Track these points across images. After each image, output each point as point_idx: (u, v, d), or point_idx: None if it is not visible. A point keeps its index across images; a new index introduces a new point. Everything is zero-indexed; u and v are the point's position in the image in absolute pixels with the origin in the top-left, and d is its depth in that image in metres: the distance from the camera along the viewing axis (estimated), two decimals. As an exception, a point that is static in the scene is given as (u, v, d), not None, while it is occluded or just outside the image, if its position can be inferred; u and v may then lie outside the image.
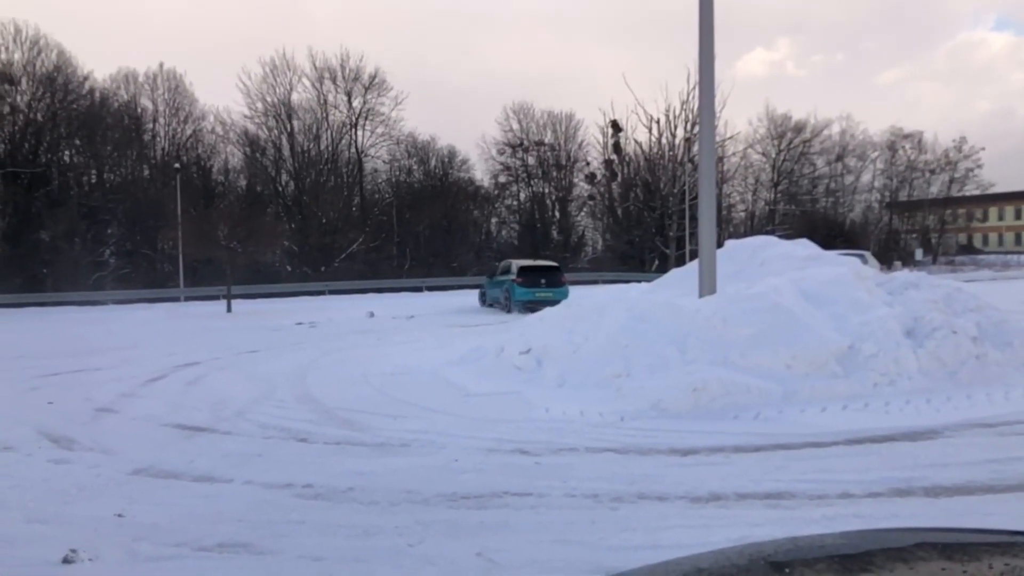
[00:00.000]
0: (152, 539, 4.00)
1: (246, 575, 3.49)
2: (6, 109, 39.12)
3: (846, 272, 9.39)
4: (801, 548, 1.29)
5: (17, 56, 39.66)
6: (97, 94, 42.53)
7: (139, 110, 44.10)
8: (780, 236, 14.43)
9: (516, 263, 23.20)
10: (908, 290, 9.07)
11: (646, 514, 4.21)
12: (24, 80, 39.73)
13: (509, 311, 21.34)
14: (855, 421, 6.32)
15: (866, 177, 52.29)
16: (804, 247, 11.48)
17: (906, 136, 51.18)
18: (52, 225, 38.23)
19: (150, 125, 44.77)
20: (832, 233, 38.16)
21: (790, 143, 50.09)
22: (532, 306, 19.96)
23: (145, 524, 4.26)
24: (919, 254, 45.33)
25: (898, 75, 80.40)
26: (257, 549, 3.84)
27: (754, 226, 47.75)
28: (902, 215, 53.59)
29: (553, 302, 20.74)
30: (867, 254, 21.80)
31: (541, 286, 21.81)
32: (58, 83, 40.44)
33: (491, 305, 23.69)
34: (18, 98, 39.67)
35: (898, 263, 37.29)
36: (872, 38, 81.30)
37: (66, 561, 3.66)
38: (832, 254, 12.22)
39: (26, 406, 8.37)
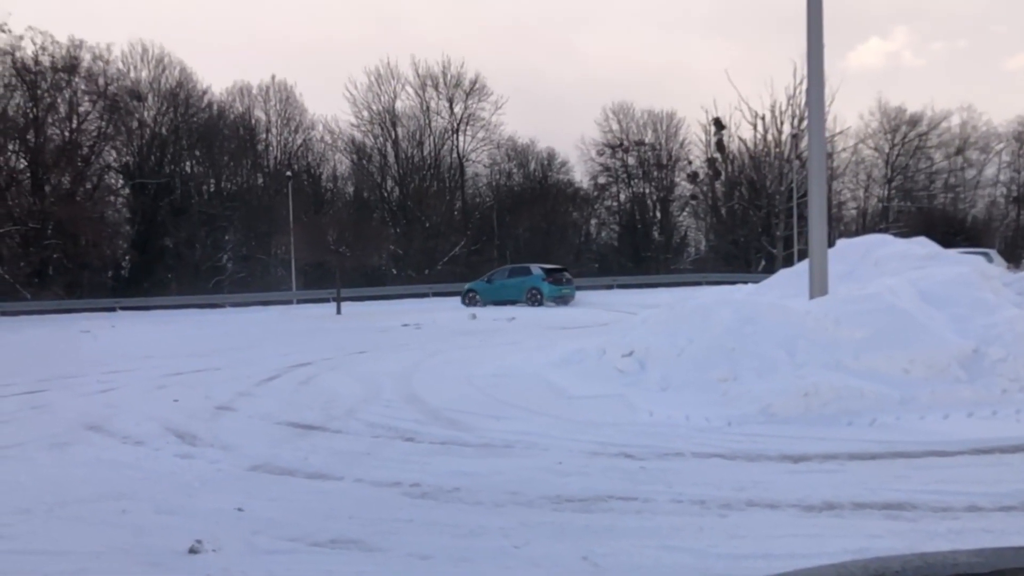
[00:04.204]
0: (269, 533, 4.17)
1: (358, 571, 3.59)
2: (135, 124, 41.76)
3: (969, 271, 8.88)
4: (932, 565, 1.22)
5: (144, 74, 42.40)
6: (215, 107, 44.95)
7: (253, 121, 46.24)
8: (895, 234, 13.80)
9: (534, 267, 27.55)
10: (1040, 290, 8.50)
11: (756, 522, 4.09)
12: (150, 96, 42.37)
13: (540, 305, 25.71)
14: (982, 429, 5.96)
15: (990, 171, 49.15)
16: (922, 245, 10.93)
17: (1036, 125, 47.86)
18: (175, 232, 40.57)
19: (263, 135, 46.88)
20: (952, 231, 36.14)
21: (905, 137, 47.73)
22: (557, 300, 26.01)
23: (263, 518, 4.44)
24: (1052, 251, 42.33)
25: (1027, 61, 75.10)
26: (367, 546, 3.95)
27: (866, 224, 45.77)
28: (1032, 210, 50.13)
29: (570, 296, 26.88)
30: (992, 252, 20.56)
31: (564, 283, 26.78)
32: (180, 98, 42.96)
33: (485, 305, 26.55)
34: (145, 113, 42.32)
35: (1027, 261, 34.94)
36: (1001, 21, 76.22)
37: (192, 551, 3.86)
38: (953, 252, 11.60)
39: (154, 403, 8.89)
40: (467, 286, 29.35)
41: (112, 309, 33.39)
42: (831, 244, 10.70)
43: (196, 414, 8.05)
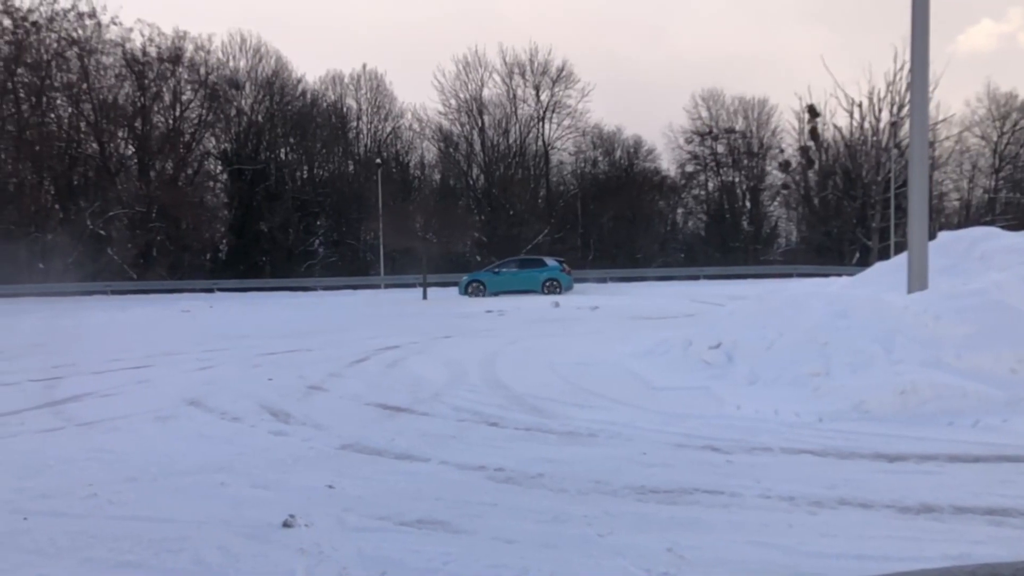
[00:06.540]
0: (359, 511, 4.29)
1: (444, 552, 3.66)
2: (233, 112, 43.30)
3: (1086, 267, 8.36)
4: None
5: (242, 64, 43.92)
6: (308, 95, 46.13)
7: (344, 109, 47.26)
8: (1002, 227, 13.11)
9: (549, 259, 29.53)
10: None
11: (848, 521, 3.98)
12: (248, 85, 43.85)
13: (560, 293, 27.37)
14: (1096, 435, 5.62)
15: (1110, 160, 46.05)
16: (1034, 239, 10.33)
17: None
18: (270, 217, 41.95)
19: (354, 123, 47.87)
20: (1067, 223, 34.07)
21: (1016, 124, 45.14)
22: (569, 289, 28.12)
23: (352, 496, 4.58)
24: None
25: None
26: (453, 528, 4.02)
27: (970, 216, 43.57)
28: None
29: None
30: (1112, 247, 19.25)
31: (569, 274, 29.07)
32: (276, 87, 44.31)
33: (492, 295, 27.22)
34: (243, 102, 43.83)
35: None
36: (1123, 1, 70.90)
37: (286, 525, 4.01)
38: (1068, 247, 10.91)
39: (250, 381, 9.26)
40: (467, 277, 28.94)
41: (210, 290, 34.84)
42: (932, 237, 10.23)
43: (289, 393, 8.34)
